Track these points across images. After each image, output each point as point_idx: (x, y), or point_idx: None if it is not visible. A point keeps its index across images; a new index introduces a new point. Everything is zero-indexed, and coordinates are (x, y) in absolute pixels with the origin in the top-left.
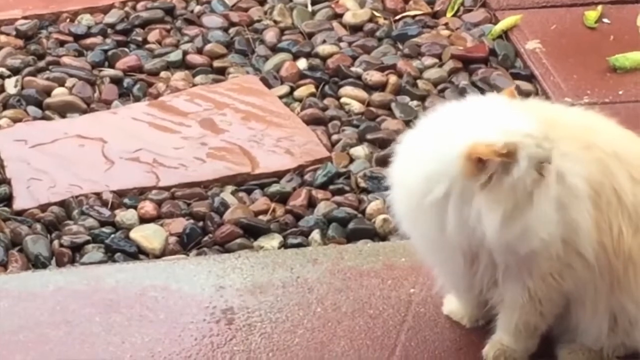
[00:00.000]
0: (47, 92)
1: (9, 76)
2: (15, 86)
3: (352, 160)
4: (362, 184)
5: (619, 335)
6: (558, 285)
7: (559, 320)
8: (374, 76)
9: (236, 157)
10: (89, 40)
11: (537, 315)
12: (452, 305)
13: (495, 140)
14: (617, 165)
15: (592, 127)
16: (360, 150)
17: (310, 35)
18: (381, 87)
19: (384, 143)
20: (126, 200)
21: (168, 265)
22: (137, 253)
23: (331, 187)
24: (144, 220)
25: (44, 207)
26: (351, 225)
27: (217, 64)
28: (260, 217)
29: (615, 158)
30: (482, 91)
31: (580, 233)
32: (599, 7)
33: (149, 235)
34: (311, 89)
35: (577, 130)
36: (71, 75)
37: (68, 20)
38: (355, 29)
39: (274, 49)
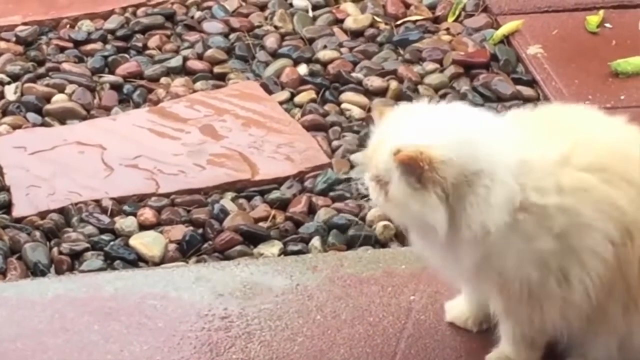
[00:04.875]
0: (47, 99)
1: (8, 82)
2: (15, 93)
3: (352, 166)
4: (363, 191)
5: (629, 352)
6: (529, 312)
7: (565, 334)
8: (374, 82)
9: (236, 163)
10: (89, 47)
11: (532, 328)
12: (455, 310)
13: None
14: None
15: (631, 156)
16: (360, 157)
17: (311, 41)
18: (382, 92)
19: None
20: (125, 207)
21: (167, 272)
22: (137, 260)
23: (331, 193)
24: (143, 227)
25: (43, 215)
26: (351, 232)
27: (217, 69)
28: (260, 223)
29: None
30: (483, 96)
31: (573, 281)
32: (601, 12)
33: (148, 243)
34: (312, 94)
35: (615, 162)
36: (71, 82)
37: (68, 26)
38: (356, 34)
39: (275, 55)
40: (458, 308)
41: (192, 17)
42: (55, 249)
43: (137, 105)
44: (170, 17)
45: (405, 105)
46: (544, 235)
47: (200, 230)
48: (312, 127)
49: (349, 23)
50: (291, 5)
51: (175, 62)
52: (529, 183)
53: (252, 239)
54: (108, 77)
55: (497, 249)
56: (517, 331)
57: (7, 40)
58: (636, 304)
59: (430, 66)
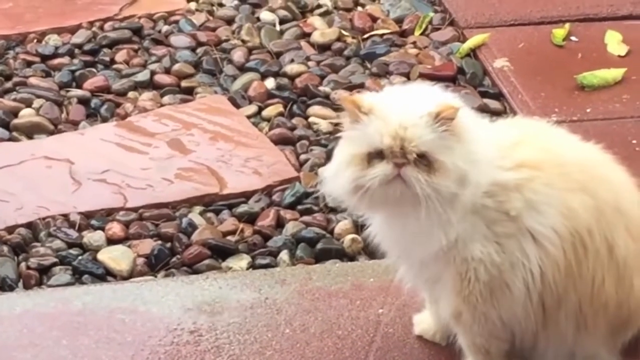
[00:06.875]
0: (14, 113)
1: None
2: None
3: (320, 180)
4: (331, 204)
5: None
6: (484, 308)
7: (518, 341)
8: (342, 95)
9: (204, 177)
10: (56, 61)
11: (483, 331)
12: (423, 324)
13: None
14: (616, 217)
15: (597, 175)
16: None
17: (278, 55)
18: None
19: None
20: (94, 222)
21: (136, 287)
22: (105, 275)
23: (299, 207)
24: (111, 241)
25: (10, 229)
26: (319, 246)
27: (185, 83)
28: (229, 237)
29: (616, 211)
30: None
31: (516, 272)
32: (567, 25)
33: (116, 257)
34: (279, 108)
35: (581, 176)
36: (38, 96)
37: (35, 40)
38: (323, 48)
39: (242, 69)
40: (426, 322)
41: (160, 31)
42: (23, 264)
43: (104, 120)
44: (137, 31)
45: (383, 94)
46: (504, 220)
47: (168, 245)
48: (279, 141)
49: (316, 37)
50: (258, 19)
51: (143, 76)
52: (494, 162)
53: (220, 252)
54: (75, 92)
55: (465, 234)
56: (468, 339)
57: None
58: (586, 324)
59: (397, 79)
